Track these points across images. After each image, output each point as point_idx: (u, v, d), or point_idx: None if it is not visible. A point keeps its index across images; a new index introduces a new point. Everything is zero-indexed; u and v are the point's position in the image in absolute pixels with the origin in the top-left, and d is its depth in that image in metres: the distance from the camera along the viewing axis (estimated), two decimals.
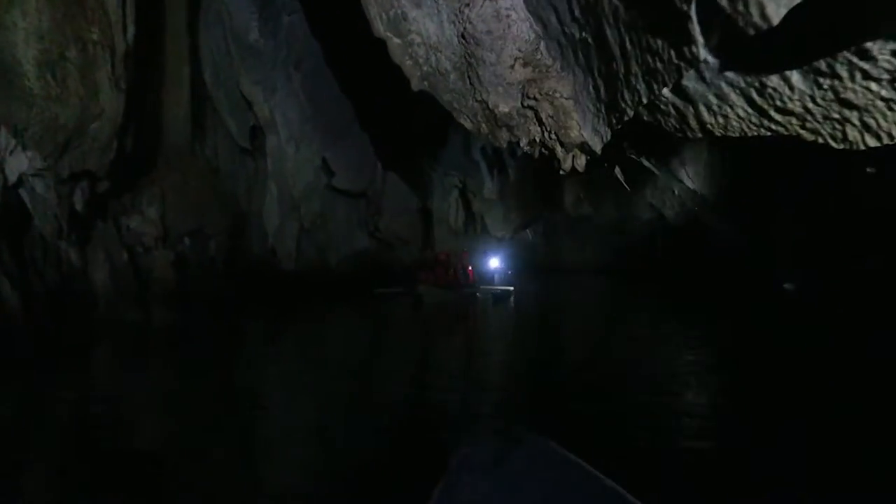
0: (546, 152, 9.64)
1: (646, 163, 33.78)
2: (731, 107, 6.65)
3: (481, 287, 27.60)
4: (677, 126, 7.84)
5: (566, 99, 8.71)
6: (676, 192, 40.38)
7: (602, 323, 22.25)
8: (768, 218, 34.69)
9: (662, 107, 7.34)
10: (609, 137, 8.60)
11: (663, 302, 28.65)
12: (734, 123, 7.52)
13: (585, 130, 8.86)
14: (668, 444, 8.48)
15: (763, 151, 31.12)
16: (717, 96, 6.91)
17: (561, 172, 9.75)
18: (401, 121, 28.50)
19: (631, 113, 7.83)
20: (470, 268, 27.49)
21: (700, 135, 8.05)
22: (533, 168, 34.84)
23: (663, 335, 18.60)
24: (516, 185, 37.57)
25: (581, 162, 9.47)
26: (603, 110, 8.23)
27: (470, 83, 9.65)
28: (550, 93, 8.80)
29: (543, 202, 44.60)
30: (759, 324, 19.91)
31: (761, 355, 15.06)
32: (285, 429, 9.72)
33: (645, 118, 7.88)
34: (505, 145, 9.90)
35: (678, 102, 6.66)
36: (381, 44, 9.76)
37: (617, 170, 35.41)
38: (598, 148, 9.01)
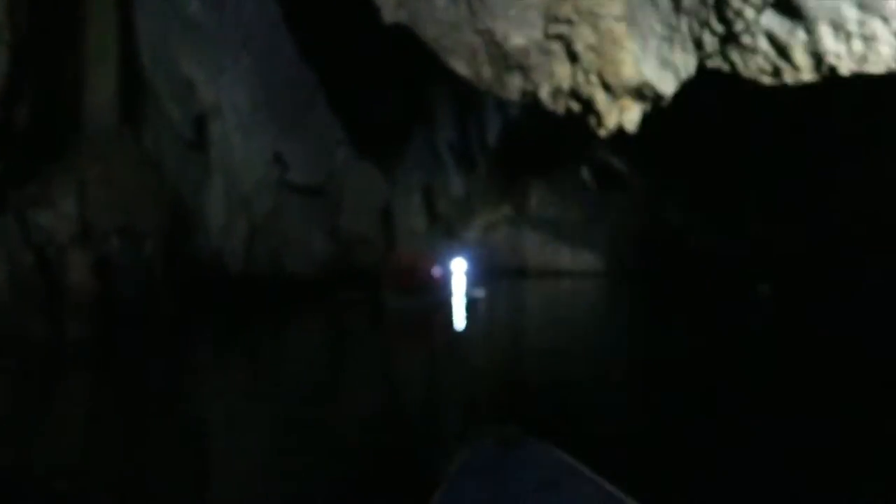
0: (578, 106, 6.26)
1: (616, 163, 30.27)
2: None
3: (450, 291, 24.22)
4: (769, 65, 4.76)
5: (616, 20, 5.44)
6: (645, 191, 37.72)
7: (577, 328, 19.02)
8: (743, 220, 32.18)
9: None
10: (692, 71, 5.32)
11: (631, 304, 25.93)
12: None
13: (647, 64, 5.49)
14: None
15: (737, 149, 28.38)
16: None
17: (601, 134, 6.36)
18: (363, 111, 25.12)
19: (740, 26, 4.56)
20: (437, 271, 24.07)
21: (807, 76, 4.89)
22: (503, 164, 31.65)
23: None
24: (484, 183, 34.30)
25: (633, 117, 6.07)
26: (685, 27, 4.97)
27: (468, 7, 6.30)
28: (592, 11, 5.49)
29: (510, 203, 41.68)
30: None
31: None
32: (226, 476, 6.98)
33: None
34: (517, 97, 6.50)
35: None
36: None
37: (584, 170, 31.47)
38: (669, 89, 5.64)
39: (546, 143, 34.10)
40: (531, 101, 6.54)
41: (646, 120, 5.90)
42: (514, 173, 36.09)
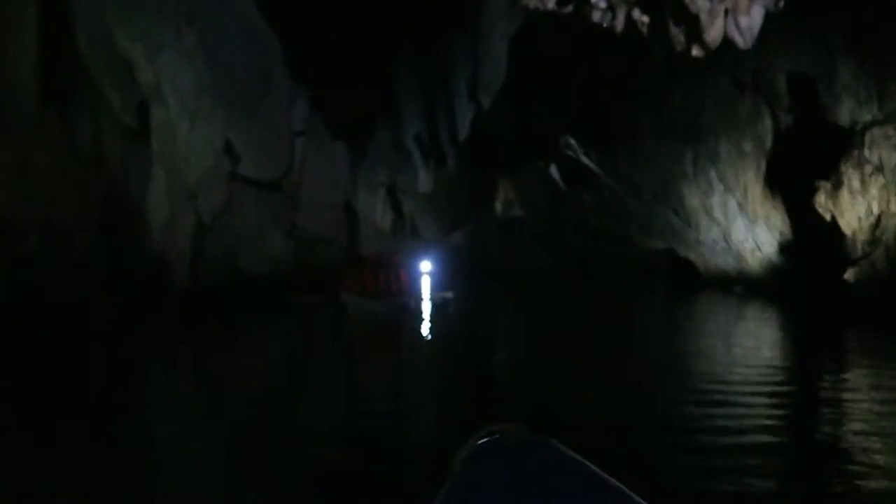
0: None
1: (585, 160, 27.69)
2: None
3: (416, 294, 21.70)
4: None
5: None
6: (615, 190, 35.59)
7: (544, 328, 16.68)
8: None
9: None
10: None
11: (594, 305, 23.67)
12: None
13: None
14: None
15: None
16: None
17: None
18: (323, 100, 22.51)
19: None
20: (403, 272, 21.52)
21: None
22: (474, 159, 29.22)
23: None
24: (451, 180, 31.88)
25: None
26: None
27: None
28: None
29: (475, 203, 39.43)
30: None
31: None
32: None
33: None
34: None
35: None
36: None
37: (553, 168, 28.25)
38: None
39: (516, 138, 31.85)
40: None
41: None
42: (483, 170, 33.84)
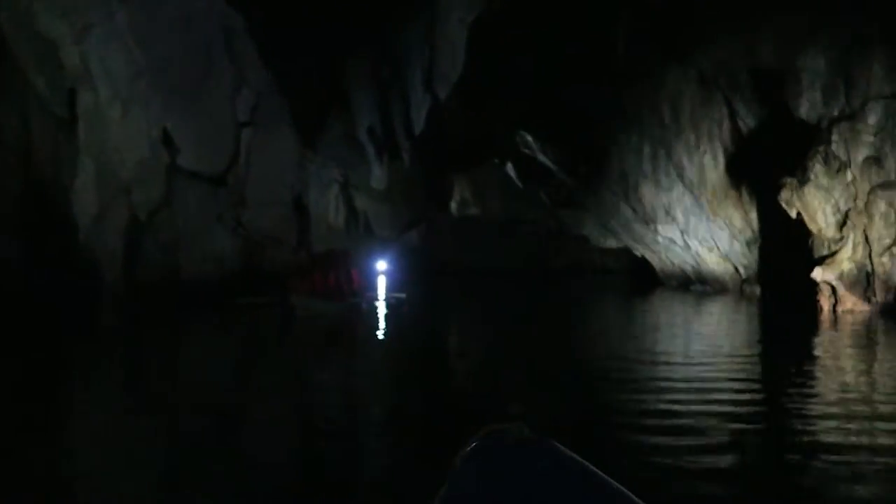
0: None
1: (542, 158, 26.36)
2: None
3: (368, 294, 20.22)
4: None
5: None
6: (572, 188, 34.59)
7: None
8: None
9: None
10: None
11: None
12: None
13: None
14: None
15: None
16: None
17: None
18: (271, 87, 20.91)
19: None
20: (355, 272, 20.01)
21: None
22: (429, 154, 27.86)
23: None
24: (406, 177, 30.45)
25: None
26: None
27: None
28: None
29: (431, 201, 38.11)
30: None
31: None
32: None
33: None
34: None
35: None
36: None
37: (509, 165, 26.70)
38: None
39: (473, 134, 30.63)
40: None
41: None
42: (438, 166, 32.51)
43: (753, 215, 24.66)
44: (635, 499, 2.03)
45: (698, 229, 27.51)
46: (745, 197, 24.52)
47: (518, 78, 24.23)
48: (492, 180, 38.32)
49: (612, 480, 2.09)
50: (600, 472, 2.12)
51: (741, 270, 26.56)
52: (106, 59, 16.34)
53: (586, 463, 2.18)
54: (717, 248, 27.17)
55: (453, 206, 39.52)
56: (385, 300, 20.66)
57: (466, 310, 23.31)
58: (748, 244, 26.10)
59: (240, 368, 11.33)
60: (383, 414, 8.43)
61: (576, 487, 2.08)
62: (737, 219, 25.77)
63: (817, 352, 12.78)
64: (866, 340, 13.90)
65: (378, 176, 23.86)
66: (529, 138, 30.96)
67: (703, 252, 27.96)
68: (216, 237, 22.57)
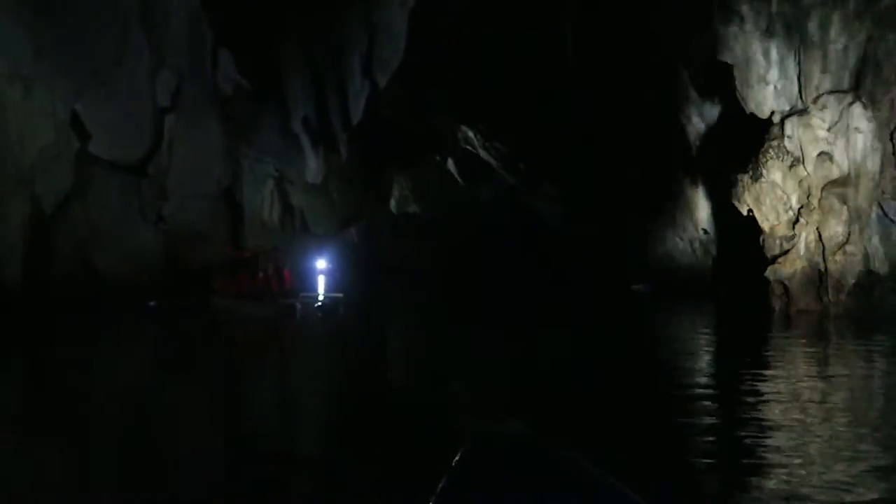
0: None
1: (484, 154, 24.88)
2: None
3: (302, 295, 18.47)
4: None
5: None
6: (516, 186, 33.46)
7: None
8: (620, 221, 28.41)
9: None
10: None
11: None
12: None
13: None
14: None
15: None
16: None
17: None
18: (197, 69, 19.00)
19: None
20: (287, 271, 18.27)
21: None
22: (367, 146, 26.20)
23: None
24: (343, 171, 28.71)
25: None
26: None
27: None
28: None
29: (369, 197, 36.43)
30: None
31: None
32: None
33: None
34: None
35: None
36: None
37: (450, 162, 25.06)
38: None
39: (414, 127, 29.14)
40: None
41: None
42: (377, 160, 30.90)
43: (700, 213, 23.86)
44: (638, 497, 1.93)
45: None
46: (692, 195, 23.70)
47: (461, 70, 22.84)
48: (432, 176, 36.90)
49: (611, 478, 1.97)
50: (599, 470, 2.00)
51: (688, 269, 25.77)
52: (3, 35, 14.22)
53: (584, 461, 2.07)
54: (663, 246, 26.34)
55: (393, 203, 37.95)
56: (320, 301, 18.96)
57: (406, 311, 21.87)
58: (692, 242, 25.32)
59: (149, 379, 9.58)
60: (312, 442, 6.89)
61: (574, 486, 2.00)
62: (682, 217, 24.97)
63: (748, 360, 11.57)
64: (811, 347, 12.85)
65: (313, 169, 22.12)
66: (471, 133, 29.61)
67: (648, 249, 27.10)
68: (137, 233, 20.50)
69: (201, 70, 19.35)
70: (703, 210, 23.87)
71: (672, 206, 24.65)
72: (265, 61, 21.70)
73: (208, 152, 19.53)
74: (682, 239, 25.61)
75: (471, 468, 2.11)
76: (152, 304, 16.35)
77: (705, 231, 24.58)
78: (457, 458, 2.12)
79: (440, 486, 2.05)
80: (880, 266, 16.44)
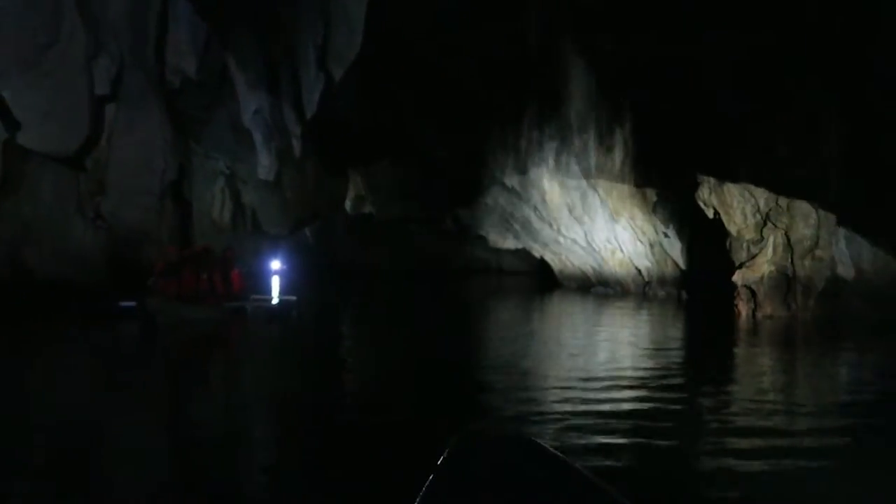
0: None
1: (440, 152, 23.93)
2: None
3: (253, 297, 17.21)
4: None
5: None
6: (471, 185, 32.46)
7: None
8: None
9: None
10: None
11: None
12: None
13: None
14: None
15: None
16: None
17: None
18: (137, 54, 17.58)
19: None
20: (236, 272, 16.98)
21: None
22: (322, 142, 24.96)
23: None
24: (297, 168, 27.34)
25: None
26: None
27: None
28: None
29: (324, 198, 35.05)
30: None
31: None
32: None
33: None
34: None
35: None
36: None
37: (406, 160, 24.68)
38: None
39: (368, 123, 27.93)
40: None
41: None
42: (332, 158, 29.57)
43: (659, 215, 23.24)
44: (620, 496, 1.98)
45: (601, 230, 25.95)
46: (651, 196, 23.06)
47: (418, 65, 21.79)
48: (388, 177, 35.73)
49: (598, 478, 2.01)
50: (586, 471, 2.04)
51: (644, 272, 25.18)
52: None
53: (571, 462, 2.11)
54: (621, 249, 25.69)
55: (348, 203, 36.64)
56: (272, 305, 17.68)
57: (362, 315, 20.70)
58: (652, 245, 24.71)
59: (69, 394, 8.27)
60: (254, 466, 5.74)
61: (560, 486, 2.03)
62: (640, 219, 24.33)
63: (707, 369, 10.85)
64: (776, 356, 12.16)
65: (266, 166, 20.78)
66: (428, 132, 28.57)
67: (607, 253, 26.44)
68: (75, 230, 18.95)
69: (144, 58, 17.87)
70: (661, 212, 23.28)
71: (632, 205, 24.01)
72: (215, 51, 20.33)
73: (152, 146, 18.05)
74: (640, 241, 24.99)
75: (457, 466, 2.08)
76: (81, 308, 14.83)
77: (665, 234, 23.99)
78: (443, 456, 2.08)
79: (427, 484, 2.02)
80: (845, 271, 15.89)
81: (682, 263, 22.88)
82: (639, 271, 25.51)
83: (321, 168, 32.65)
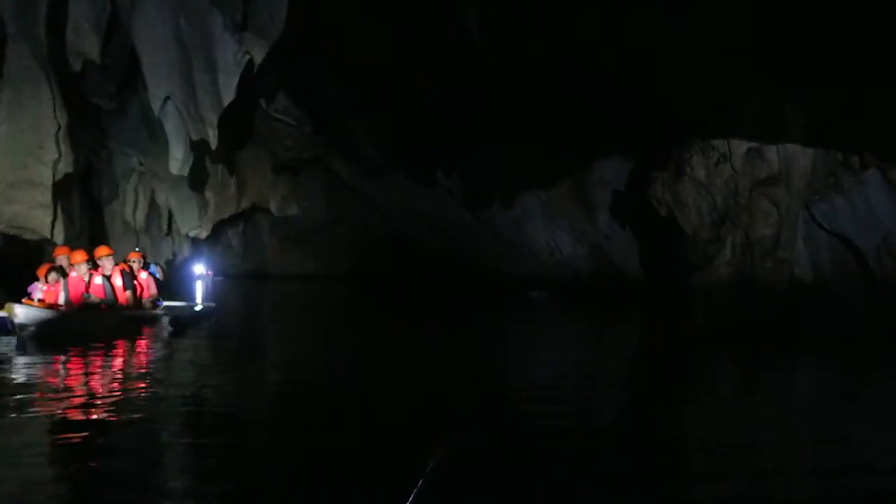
0: None
1: (372, 151, 22.33)
2: None
3: (164, 305, 14.71)
4: None
5: None
6: (403, 186, 30.49)
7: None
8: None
9: None
10: None
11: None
12: None
13: None
14: None
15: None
16: None
17: None
18: (29, 30, 14.85)
19: None
20: (144, 275, 14.51)
21: None
22: (241, 134, 22.48)
23: None
24: (215, 164, 24.78)
25: None
26: None
27: None
28: None
29: (247, 198, 32.61)
30: None
31: None
32: None
33: None
34: None
35: None
36: None
37: (336, 160, 22.68)
38: None
39: (294, 117, 25.63)
40: None
41: None
42: (255, 155, 27.12)
43: (600, 214, 21.80)
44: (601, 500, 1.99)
45: (538, 231, 24.41)
46: (592, 195, 21.59)
47: (349, 53, 19.63)
48: (316, 175, 33.39)
49: (583, 487, 1.93)
50: (572, 476, 1.98)
51: (587, 277, 23.65)
52: None
53: (553, 472, 2.05)
54: (560, 251, 24.17)
55: (273, 204, 34.06)
56: (188, 312, 15.20)
57: (279, 321, 18.49)
58: (592, 247, 23.24)
59: None
60: None
61: (542, 495, 1.97)
62: (579, 220, 22.87)
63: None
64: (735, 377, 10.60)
65: (178, 160, 18.14)
66: (356, 130, 26.42)
67: (544, 256, 24.88)
68: None
69: (33, 35, 15.12)
70: (603, 211, 21.85)
71: (571, 205, 22.52)
72: (121, 32, 17.67)
73: (39, 132, 15.24)
74: (580, 244, 23.52)
75: (443, 475, 2.05)
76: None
77: (605, 235, 22.57)
78: (431, 465, 2.07)
79: (414, 493, 1.97)
80: (803, 274, 14.55)
81: (631, 266, 21.39)
82: (579, 274, 24.01)
83: (244, 166, 30.07)
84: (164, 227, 27.92)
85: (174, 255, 30.33)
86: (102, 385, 8.03)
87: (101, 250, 13.58)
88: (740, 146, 14.10)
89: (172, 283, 22.27)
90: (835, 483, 4.67)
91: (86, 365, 9.45)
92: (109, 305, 12.89)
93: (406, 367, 9.78)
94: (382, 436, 5.87)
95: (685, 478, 4.98)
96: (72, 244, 15.79)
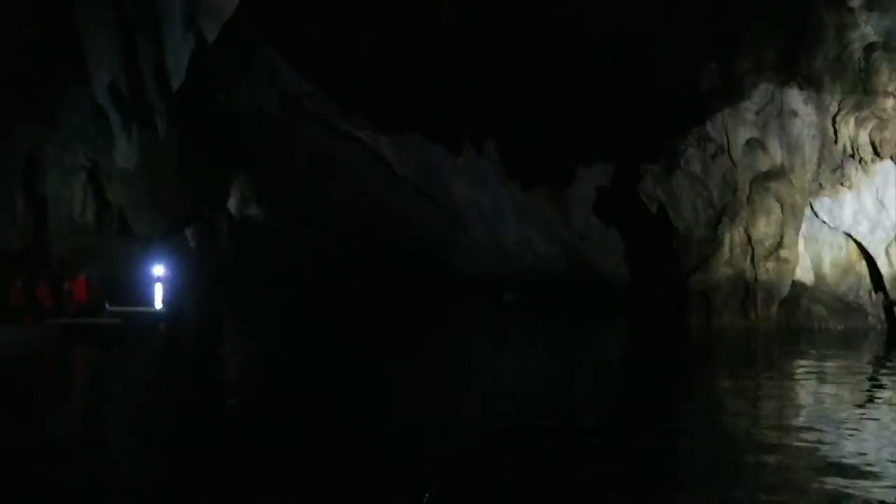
0: None
1: (336, 146, 20.69)
2: None
3: (109, 311, 12.64)
4: None
5: None
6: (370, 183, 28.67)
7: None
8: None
9: None
10: None
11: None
12: None
13: None
14: None
15: None
16: None
17: None
18: None
19: None
20: (82, 280, 12.48)
21: None
22: (193, 123, 20.42)
23: None
24: (166, 156, 22.57)
25: None
26: None
27: None
28: None
29: (204, 196, 30.26)
30: None
31: None
32: None
33: None
34: None
35: None
36: None
37: (298, 155, 21.68)
38: None
39: (251, 105, 23.58)
40: None
41: None
42: (210, 148, 24.92)
43: (577, 212, 20.33)
44: None
45: (511, 230, 22.87)
46: (569, 192, 20.13)
47: (309, 27, 17.77)
48: (277, 172, 31.27)
49: None
50: None
51: (561, 277, 22.12)
52: None
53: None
54: (533, 251, 22.66)
55: (232, 204, 31.81)
56: (132, 317, 13.14)
57: (236, 326, 16.60)
58: (566, 245, 21.76)
59: None
60: None
61: None
62: (556, 219, 21.39)
63: None
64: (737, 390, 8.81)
65: (124, 151, 16.20)
66: (324, 112, 24.48)
67: (516, 256, 23.33)
68: None
69: None
70: (581, 210, 20.39)
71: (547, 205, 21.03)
72: (58, 9, 15.57)
73: None
74: (555, 243, 22.04)
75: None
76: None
77: (580, 236, 21.11)
78: (425, 499, 2.27)
79: None
80: (805, 274, 13.24)
81: (611, 268, 19.83)
82: (555, 275, 22.48)
83: (199, 160, 27.83)
84: (115, 226, 25.54)
85: (128, 256, 28.06)
86: None
87: (26, 255, 11.56)
88: (741, 136, 12.70)
89: (127, 287, 20.25)
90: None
91: None
92: (35, 312, 10.88)
93: (364, 405, 7.85)
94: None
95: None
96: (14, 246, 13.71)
